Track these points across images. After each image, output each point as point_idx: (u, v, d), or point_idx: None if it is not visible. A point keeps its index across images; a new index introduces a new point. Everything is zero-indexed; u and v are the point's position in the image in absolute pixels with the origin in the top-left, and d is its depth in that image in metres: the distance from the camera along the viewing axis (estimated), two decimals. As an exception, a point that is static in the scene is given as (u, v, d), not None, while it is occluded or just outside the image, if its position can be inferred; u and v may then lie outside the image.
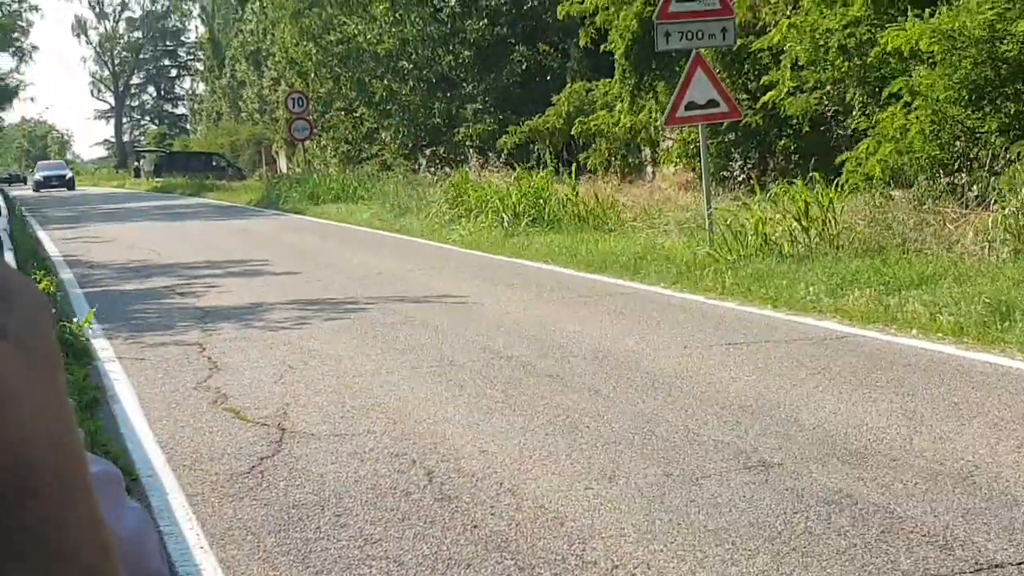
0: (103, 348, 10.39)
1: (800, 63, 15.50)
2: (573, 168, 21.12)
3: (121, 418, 7.78)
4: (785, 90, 16.18)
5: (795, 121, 16.92)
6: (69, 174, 63.75)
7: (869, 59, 14.36)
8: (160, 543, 1.09)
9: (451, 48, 31.95)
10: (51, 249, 21.48)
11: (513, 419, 7.10)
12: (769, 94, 16.70)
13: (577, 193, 18.79)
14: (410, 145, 33.53)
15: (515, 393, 7.77)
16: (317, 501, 5.77)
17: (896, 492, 5.40)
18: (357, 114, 35.48)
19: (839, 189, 13.17)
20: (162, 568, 0.87)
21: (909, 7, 13.79)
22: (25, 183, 77.56)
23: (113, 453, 6.55)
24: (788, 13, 16.50)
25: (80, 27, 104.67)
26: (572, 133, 23.96)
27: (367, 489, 5.91)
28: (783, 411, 6.93)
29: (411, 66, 32.53)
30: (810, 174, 13.75)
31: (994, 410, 6.73)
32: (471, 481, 5.94)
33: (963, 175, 12.86)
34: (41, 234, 25.65)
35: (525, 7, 30.59)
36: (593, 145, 23.92)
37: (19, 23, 53.42)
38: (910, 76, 13.73)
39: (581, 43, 22.98)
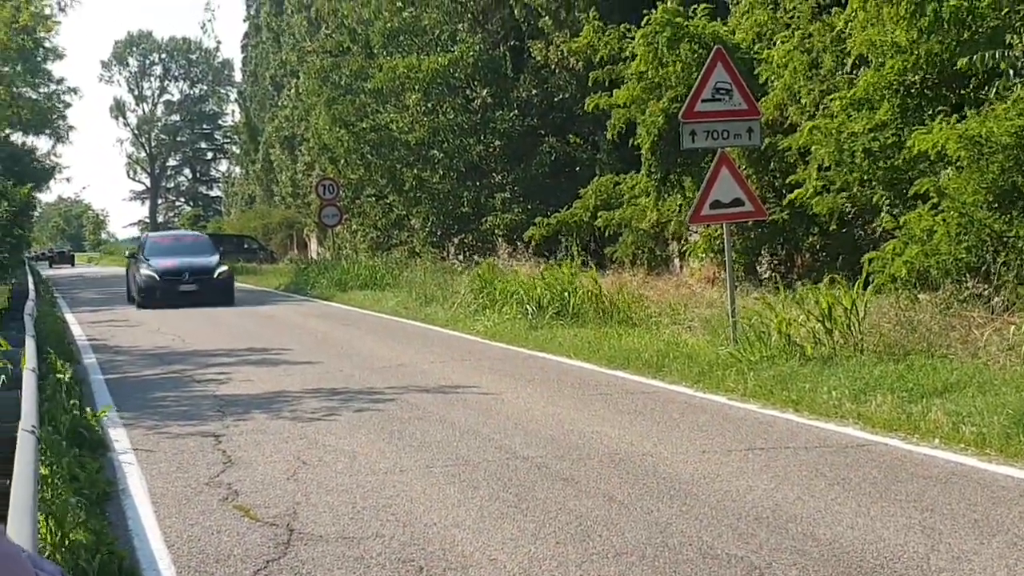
0: (118, 439, 10.36)
1: (825, 165, 15.50)
2: (594, 263, 21.11)
3: (131, 514, 7.71)
4: (811, 190, 16.15)
5: (822, 219, 16.87)
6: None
7: (895, 161, 14.34)
8: None
9: (482, 138, 32.18)
10: (77, 332, 21.57)
11: (525, 525, 7.00)
12: (796, 192, 16.67)
13: (601, 287, 18.74)
14: (439, 233, 33.66)
15: (528, 497, 7.66)
16: (320, 609, 5.67)
17: (911, 616, 5.26)
18: (387, 201, 35.70)
19: (863, 290, 13.06)
20: None
21: (937, 112, 13.79)
22: (72, 263, 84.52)
23: (118, 553, 6.48)
24: (815, 113, 16.52)
25: (119, 109, 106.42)
26: (598, 225, 23.98)
27: (371, 598, 5.81)
28: (799, 524, 6.80)
29: (442, 155, 32.76)
30: (834, 275, 13.66)
31: (1015, 527, 6.58)
32: (477, 592, 5.84)
33: (990, 280, 12.74)
34: (69, 316, 25.79)
35: (556, 99, 30.81)
36: (620, 238, 23.93)
37: (57, 105, 54.28)
38: (937, 176, 13.68)
39: (609, 136, 23.07)
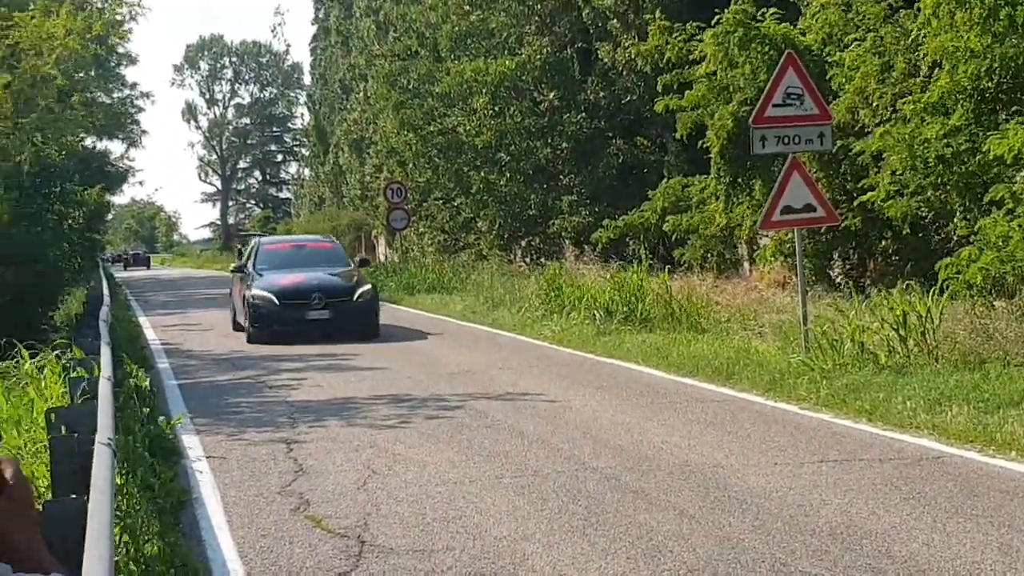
0: (192, 446, 10.47)
1: (899, 171, 15.30)
2: (662, 267, 21.02)
3: (204, 523, 7.79)
4: (884, 194, 15.94)
5: (895, 224, 16.65)
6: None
7: (970, 166, 14.12)
8: None
9: (549, 141, 32.16)
10: (150, 336, 21.84)
11: (595, 539, 6.97)
12: (868, 195, 16.47)
13: (670, 291, 18.64)
14: (506, 236, 33.70)
15: (598, 510, 7.63)
16: (391, 625, 5.69)
17: (990, 639, 5.17)
18: (455, 204, 35.81)
19: (938, 297, 12.87)
20: None
21: (1011, 116, 13.57)
22: (148, 265, 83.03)
23: (192, 566, 6.54)
24: (888, 117, 16.31)
25: (190, 112, 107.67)
26: (666, 229, 23.87)
27: (443, 613, 5.81)
28: (874, 540, 6.71)
29: (509, 157, 32.79)
30: (907, 280, 13.48)
31: (1097, 547, 6.44)
32: (548, 608, 5.82)
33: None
34: (142, 319, 26.13)
35: (623, 101, 30.70)
36: (688, 241, 23.80)
37: (130, 109, 54.98)
38: (1013, 182, 13.46)
39: (678, 137, 22.95)
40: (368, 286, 20.07)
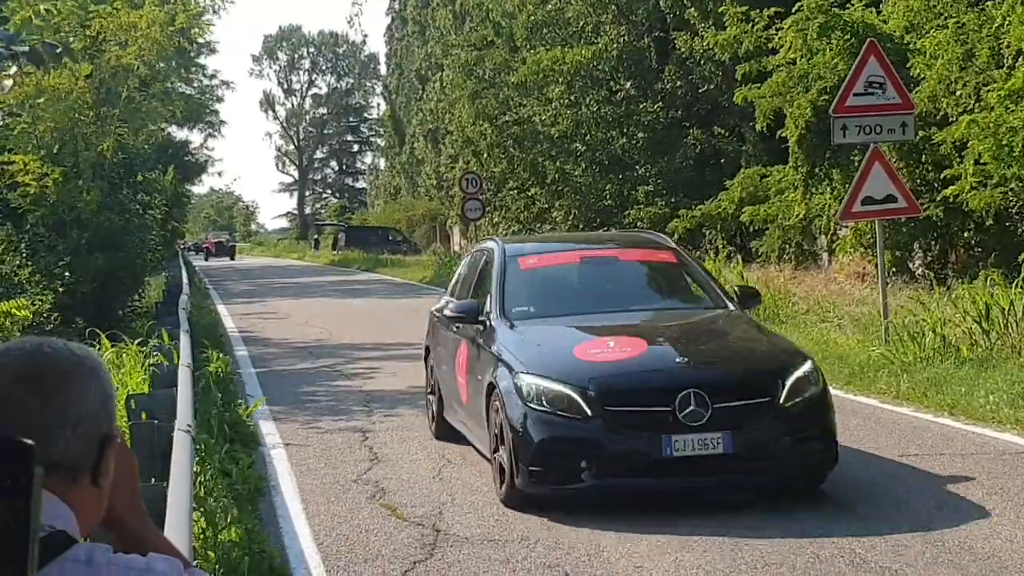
0: (270, 432, 10.56)
1: (983, 160, 15.00)
2: (740, 257, 20.84)
3: (281, 511, 7.84)
4: (968, 184, 15.65)
5: (978, 215, 16.35)
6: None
7: (1057, 156, 13.83)
8: None
9: (625, 130, 32.02)
10: (228, 324, 22.08)
11: (672, 533, 6.90)
12: (951, 188, 16.18)
13: (747, 282, 18.44)
14: (581, 226, 33.60)
15: (673, 502, 7.55)
16: (466, 614, 5.68)
17: (1078, 640, 5.05)
18: (529, 194, 35.78)
19: (1021, 289, 12.61)
20: None
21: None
22: (233, 256, 71.34)
23: (270, 552, 6.59)
24: (971, 106, 16.01)
25: (268, 103, 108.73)
26: (743, 220, 23.65)
27: (517, 604, 5.79)
28: (956, 536, 6.59)
29: (584, 147, 32.70)
30: (989, 272, 13.23)
31: None
32: (624, 600, 5.78)
33: None
34: (220, 308, 26.43)
35: (700, 90, 30.48)
36: (766, 231, 23.57)
37: (209, 99, 55.68)
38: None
39: (757, 127, 22.72)
40: (805, 364, 8.01)
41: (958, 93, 16.51)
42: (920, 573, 5.99)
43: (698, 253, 22.12)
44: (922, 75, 17.25)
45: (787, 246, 23.14)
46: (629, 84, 32.13)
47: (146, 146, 20.02)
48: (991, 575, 5.93)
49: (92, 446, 1.66)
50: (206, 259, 67.49)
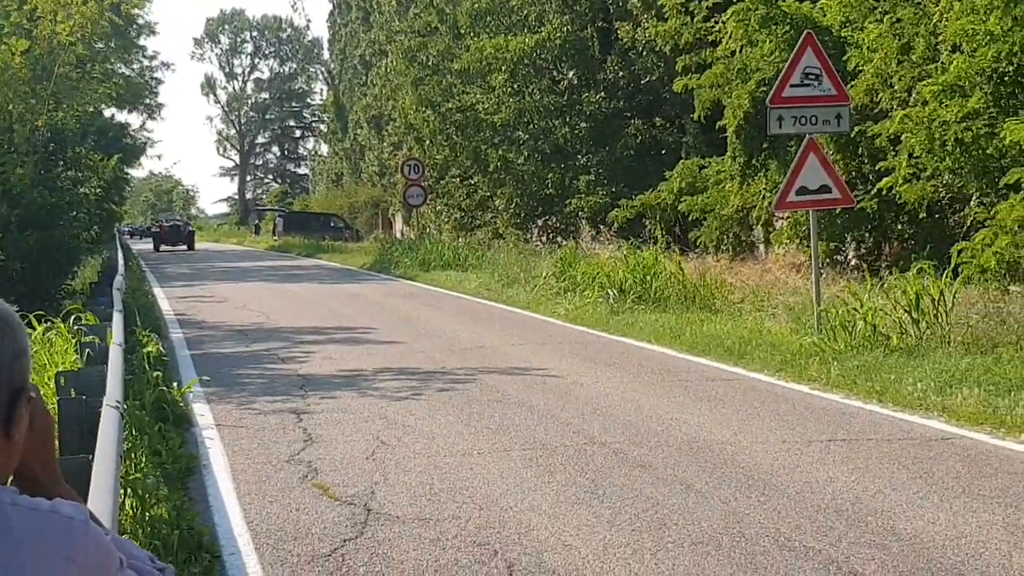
0: (202, 414, 10.51)
1: (916, 153, 15.23)
2: (678, 248, 21.01)
3: (212, 490, 7.82)
4: (901, 178, 15.88)
5: (911, 208, 16.59)
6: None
7: (988, 150, 14.05)
8: None
9: (567, 120, 32.12)
10: (164, 307, 21.91)
11: (600, 511, 6.98)
12: (885, 180, 16.41)
13: (684, 272, 18.62)
14: (522, 215, 33.68)
15: (605, 483, 7.64)
16: (395, 590, 5.70)
17: (992, 616, 5.16)
18: (472, 182, 35.80)
19: (952, 280, 12.83)
20: None
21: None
22: (192, 244, 56.56)
23: (199, 530, 6.58)
24: (907, 99, 16.23)
25: (209, 86, 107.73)
26: (682, 210, 23.82)
27: (446, 580, 5.82)
28: (880, 518, 6.71)
29: (527, 136, 32.77)
30: (921, 263, 13.43)
31: (1103, 528, 6.43)
32: (551, 578, 5.83)
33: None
34: (157, 291, 26.21)
35: (642, 81, 30.65)
36: (705, 222, 23.76)
37: (149, 81, 55.05)
38: (1031, 166, 13.39)
39: (695, 117, 22.89)
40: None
41: (895, 87, 16.74)
42: (844, 553, 6.09)
43: (638, 243, 22.24)
44: (859, 68, 17.47)
45: (725, 237, 23.35)
46: (572, 73, 32.24)
47: (77, 122, 19.72)
48: (913, 555, 6.04)
49: (2, 397, 1.66)
50: (156, 247, 54.53)
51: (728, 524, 6.65)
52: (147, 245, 59.22)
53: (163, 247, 55.18)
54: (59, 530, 1.58)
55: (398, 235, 49.74)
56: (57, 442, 6.36)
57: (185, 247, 55.91)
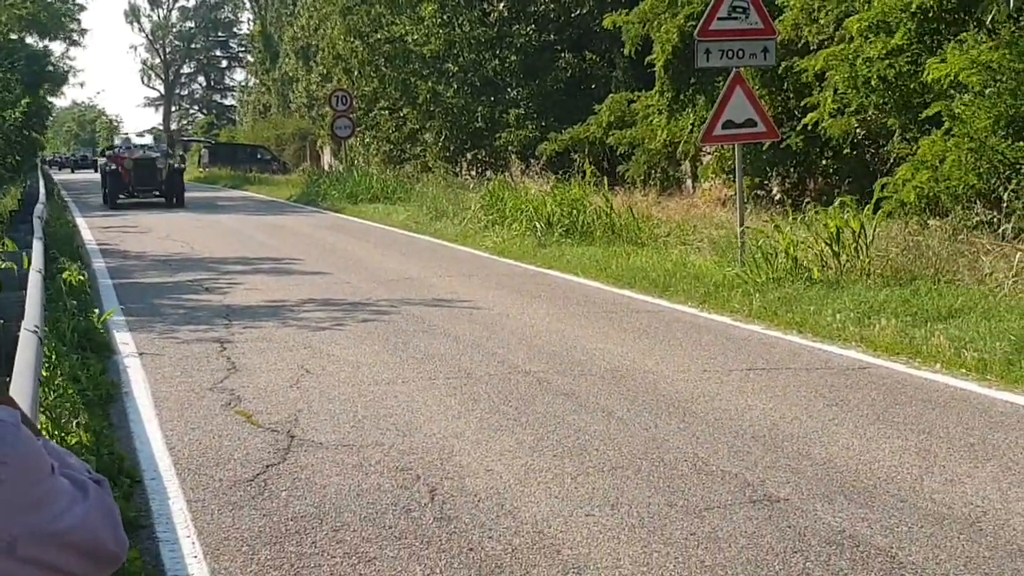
0: (125, 342, 10.42)
1: (841, 90, 15.35)
2: (606, 182, 21.06)
3: (133, 416, 7.79)
4: (826, 113, 16.01)
5: (835, 143, 16.75)
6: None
7: (911, 86, 14.20)
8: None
9: (497, 52, 31.92)
10: (87, 236, 21.62)
11: (523, 437, 7.05)
12: (810, 115, 16.54)
13: (611, 205, 18.68)
14: (451, 148, 33.52)
15: (528, 410, 7.71)
16: (316, 514, 5.74)
17: (900, 535, 5.30)
18: (401, 114, 35.52)
19: (873, 214, 13.01)
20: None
21: (952, 36, 13.63)
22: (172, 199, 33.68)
23: (118, 454, 6.55)
24: (832, 35, 16.33)
25: (133, 14, 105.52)
26: (610, 144, 23.85)
27: (368, 504, 5.87)
28: (795, 443, 6.84)
29: (456, 69, 32.53)
30: (842, 198, 13.59)
31: (1010, 452, 6.61)
32: (473, 501, 5.90)
33: (1000, 207, 12.67)
34: (79, 220, 25.84)
35: (574, 15, 30.52)
36: (633, 157, 23.82)
37: (71, 7, 53.80)
38: (951, 100, 13.55)
39: (626, 52, 22.85)
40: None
41: (820, 21, 16.82)
42: (759, 476, 6.21)
43: (567, 177, 22.26)
44: (786, 3, 17.52)
45: (652, 171, 23.44)
46: (502, 5, 31.99)
47: None
48: (827, 478, 6.17)
49: None
50: (109, 199, 32.08)
51: (648, 449, 6.75)
52: (71, 176, 57.91)
53: (122, 198, 32.19)
54: None
55: (326, 168, 49.30)
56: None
57: (158, 193, 32.53)
